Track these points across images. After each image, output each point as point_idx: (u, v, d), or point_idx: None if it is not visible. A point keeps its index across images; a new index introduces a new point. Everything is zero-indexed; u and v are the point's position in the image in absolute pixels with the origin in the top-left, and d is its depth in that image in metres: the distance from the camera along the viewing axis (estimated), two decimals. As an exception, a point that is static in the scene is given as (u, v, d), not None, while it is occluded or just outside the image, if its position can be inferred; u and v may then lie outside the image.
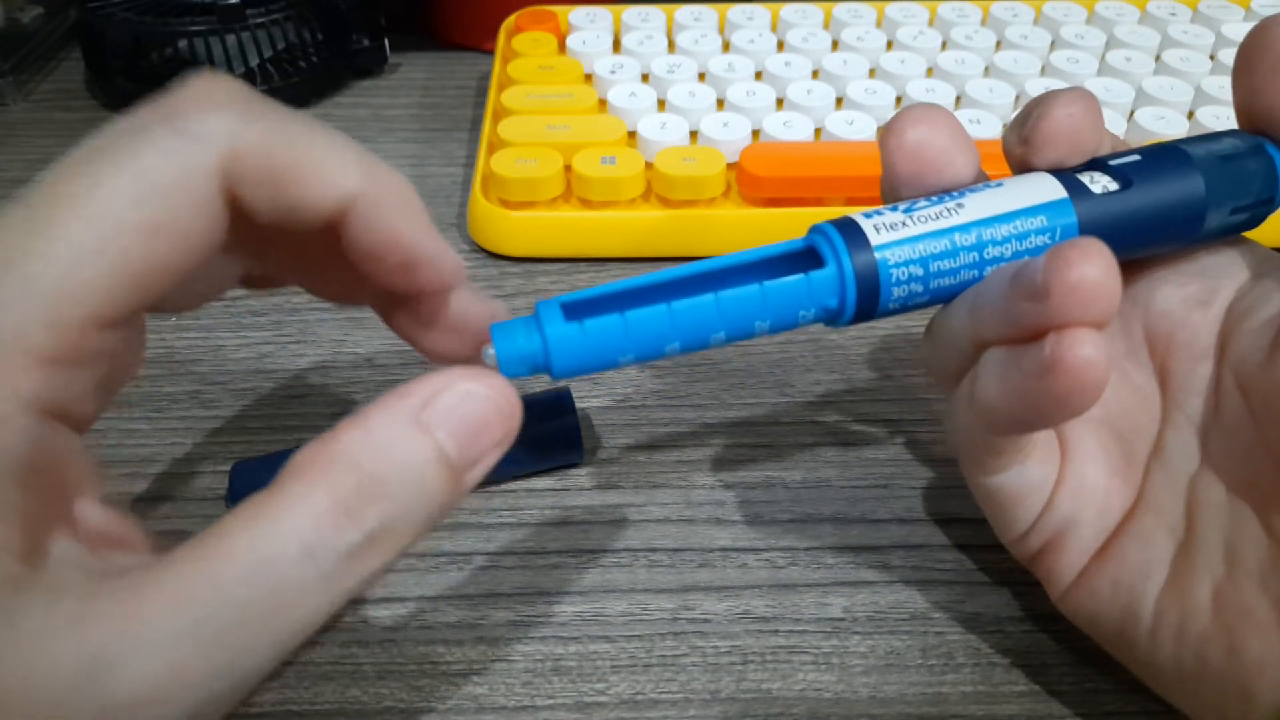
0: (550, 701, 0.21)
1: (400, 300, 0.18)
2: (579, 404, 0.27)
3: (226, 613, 0.13)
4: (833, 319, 0.18)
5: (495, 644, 0.22)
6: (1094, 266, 0.15)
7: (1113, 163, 0.19)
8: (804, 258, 0.18)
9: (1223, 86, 0.35)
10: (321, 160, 0.15)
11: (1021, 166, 0.19)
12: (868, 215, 0.18)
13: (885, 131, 0.19)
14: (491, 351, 0.17)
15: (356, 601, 0.22)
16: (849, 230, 0.18)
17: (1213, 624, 0.17)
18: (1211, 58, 0.37)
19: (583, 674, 0.21)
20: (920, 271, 0.18)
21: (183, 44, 0.38)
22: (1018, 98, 0.35)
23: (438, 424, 0.14)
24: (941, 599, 0.23)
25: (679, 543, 0.24)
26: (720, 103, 0.35)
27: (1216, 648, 0.17)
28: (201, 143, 0.14)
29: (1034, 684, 0.21)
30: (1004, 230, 0.18)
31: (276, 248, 0.18)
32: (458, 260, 0.17)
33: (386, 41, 0.42)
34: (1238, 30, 0.38)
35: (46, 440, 0.13)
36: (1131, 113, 0.34)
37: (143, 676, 0.12)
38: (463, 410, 0.15)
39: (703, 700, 0.21)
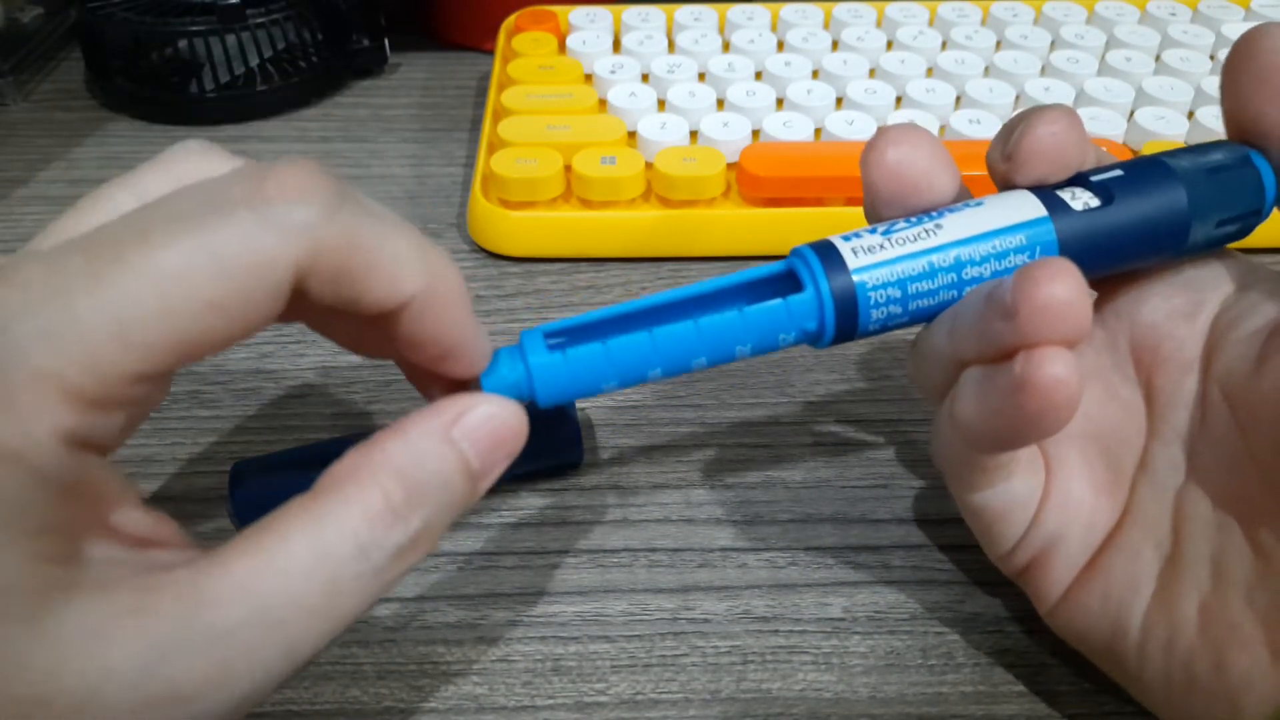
0: (550, 701, 0.21)
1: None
2: (579, 404, 0.27)
3: (287, 603, 0.14)
4: (813, 341, 0.19)
5: (495, 644, 0.22)
6: (1062, 286, 0.15)
7: (1094, 178, 0.19)
8: (784, 281, 0.19)
9: (1223, 86, 0.35)
10: (391, 261, 0.15)
11: (1005, 183, 0.19)
12: (846, 238, 0.18)
13: (865, 152, 0.19)
14: (478, 381, 0.17)
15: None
16: (827, 254, 0.18)
17: (1200, 639, 0.17)
18: (1211, 58, 0.37)
19: (583, 674, 0.21)
20: (898, 294, 0.18)
21: (183, 44, 0.38)
22: (1018, 98, 0.35)
23: (463, 438, 0.16)
24: (941, 599, 0.23)
25: (679, 543, 0.24)
26: (720, 103, 0.35)
27: (1204, 663, 0.17)
28: (285, 236, 0.14)
29: (1033, 684, 0.21)
30: (982, 250, 0.18)
31: (320, 317, 0.18)
32: (489, 350, 0.18)
33: (386, 41, 0.42)
34: (1238, 30, 0.38)
35: (76, 464, 0.13)
36: (1131, 113, 0.34)
37: (206, 664, 0.13)
38: (485, 428, 0.16)
39: (703, 700, 0.21)
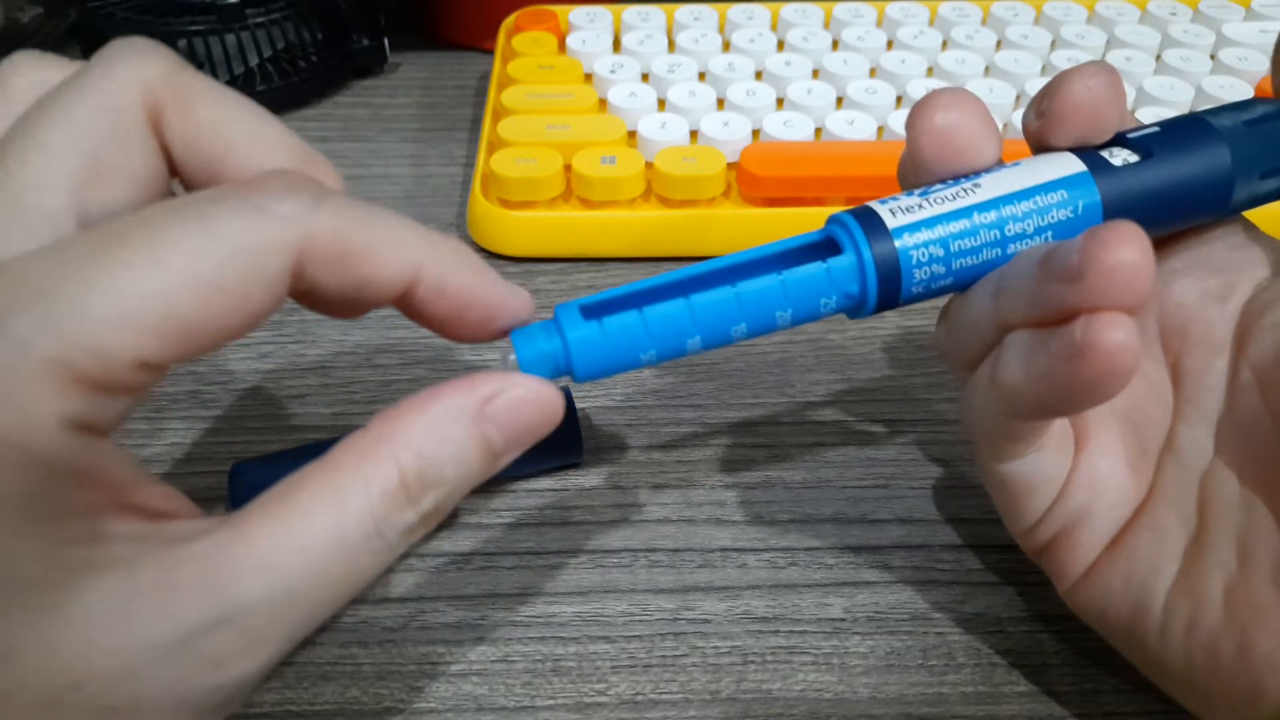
0: (550, 701, 0.21)
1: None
2: (579, 404, 0.27)
3: (309, 580, 0.14)
4: (856, 307, 0.18)
5: (495, 644, 0.22)
6: (1131, 249, 0.15)
7: (1131, 135, 0.18)
8: (823, 248, 0.18)
9: (1223, 86, 0.35)
10: (388, 238, 0.16)
11: (1039, 143, 0.19)
12: (883, 202, 0.18)
13: (913, 113, 0.19)
14: (513, 357, 0.17)
15: (356, 601, 0.22)
16: (865, 216, 0.18)
17: (1224, 620, 0.17)
18: (1212, 57, 0.37)
19: (583, 674, 0.21)
20: (941, 253, 0.18)
21: (182, 43, 0.38)
22: (1018, 97, 0.35)
23: (492, 421, 0.16)
24: (942, 599, 0.22)
25: (679, 543, 0.24)
26: (720, 102, 0.35)
27: (1227, 645, 0.17)
28: (280, 223, 0.14)
29: (1034, 684, 0.21)
30: (1024, 207, 0.18)
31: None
32: (526, 296, 0.18)
33: (386, 41, 0.42)
34: (1238, 30, 0.38)
35: (84, 448, 0.14)
36: (1132, 112, 0.34)
37: (235, 636, 0.14)
38: (516, 412, 0.16)
39: (703, 701, 0.21)
